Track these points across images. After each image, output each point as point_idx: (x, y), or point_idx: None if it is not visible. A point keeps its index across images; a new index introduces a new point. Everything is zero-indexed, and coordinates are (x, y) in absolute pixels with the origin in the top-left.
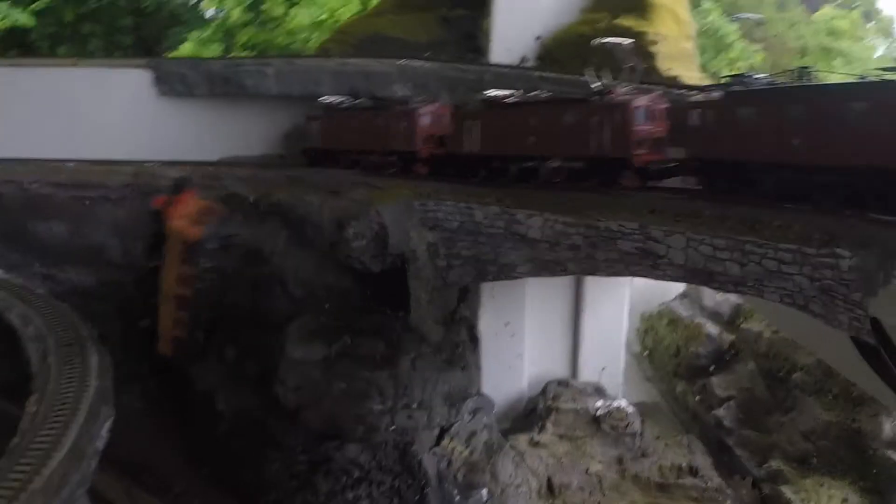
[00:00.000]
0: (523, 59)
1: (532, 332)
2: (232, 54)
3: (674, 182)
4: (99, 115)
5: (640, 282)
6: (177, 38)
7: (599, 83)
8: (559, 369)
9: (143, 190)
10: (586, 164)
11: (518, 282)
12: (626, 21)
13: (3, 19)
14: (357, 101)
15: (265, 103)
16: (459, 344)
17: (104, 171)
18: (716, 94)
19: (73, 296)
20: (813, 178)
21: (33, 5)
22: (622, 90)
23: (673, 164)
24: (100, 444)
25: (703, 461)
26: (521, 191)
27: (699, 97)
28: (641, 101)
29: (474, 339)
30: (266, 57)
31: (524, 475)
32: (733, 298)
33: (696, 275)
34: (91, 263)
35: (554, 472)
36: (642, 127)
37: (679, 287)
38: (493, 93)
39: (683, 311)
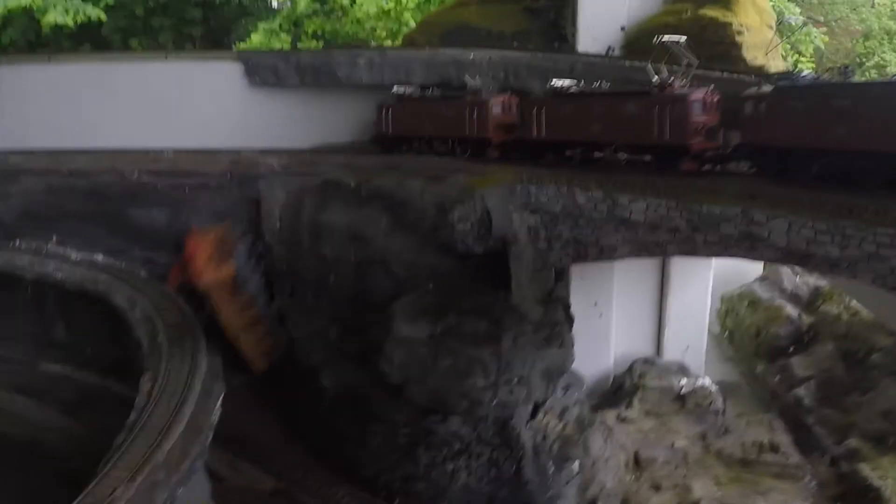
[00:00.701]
0: (610, 49)
1: (619, 313)
2: (300, 43)
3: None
4: (192, 107)
5: (720, 264)
6: (245, 28)
7: (657, 77)
8: (644, 348)
9: (241, 177)
10: (648, 150)
11: (607, 263)
12: (711, 12)
13: (76, 14)
14: (427, 92)
15: (354, 92)
16: (557, 322)
17: (202, 159)
18: (766, 88)
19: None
20: (851, 162)
21: (105, 0)
22: (680, 84)
23: (727, 151)
24: (214, 418)
25: (783, 439)
26: (621, 175)
27: (752, 91)
28: (698, 94)
29: (570, 318)
30: (357, 48)
31: (613, 449)
32: (812, 281)
33: (793, 256)
34: None
35: (641, 446)
36: (699, 118)
37: (758, 269)
38: (557, 83)
39: (763, 293)
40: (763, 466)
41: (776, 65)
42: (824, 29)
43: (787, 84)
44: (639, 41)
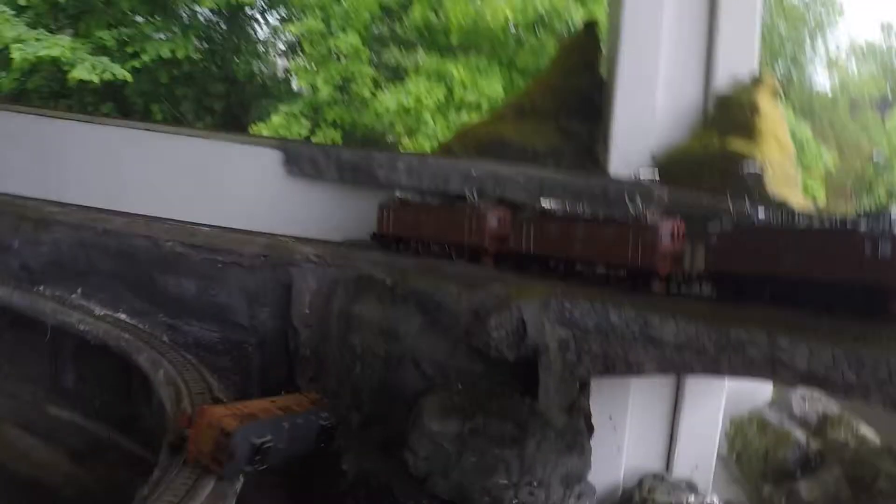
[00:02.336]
0: (639, 174)
1: (632, 427)
2: (318, 130)
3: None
4: (229, 186)
5: (732, 387)
6: (265, 109)
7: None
8: (654, 464)
9: (274, 261)
10: (622, 270)
11: (624, 379)
12: (737, 144)
13: (103, 72)
14: (427, 198)
15: (389, 192)
16: (579, 431)
17: (238, 239)
18: (728, 225)
19: (194, 348)
20: (797, 287)
21: (131, 62)
22: (650, 214)
23: (692, 276)
24: (237, 487)
25: None
26: (653, 299)
27: (715, 226)
28: (667, 224)
29: (590, 428)
30: (398, 153)
31: None
32: (821, 407)
33: (813, 380)
34: (216, 321)
35: None
36: (667, 245)
37: (768, 394)
38: (545, 203)
39: (772, 417)
40: None
41: (796, 198)
42: (835, 149)
43: (745, 222)
44: (668, 167)
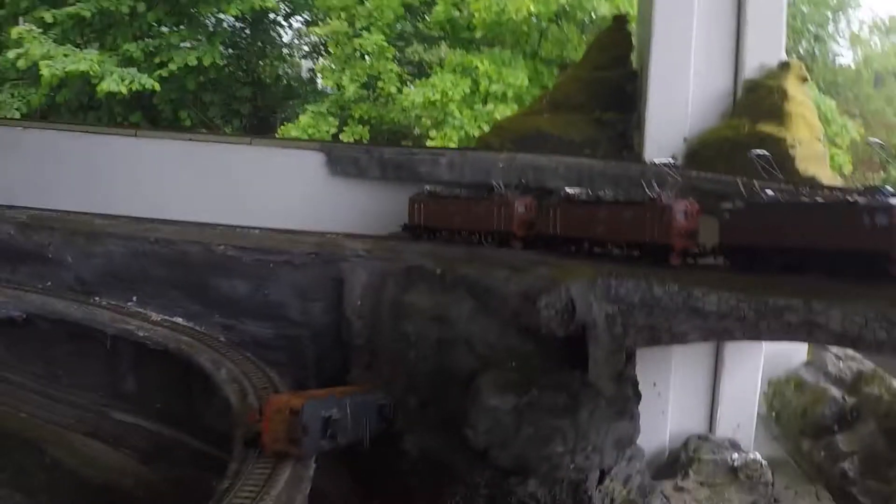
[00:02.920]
0: (673, 159)
1: (675, 392)
2: (346, 127)
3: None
4: (274, 189)
5: (769, 351)
6: (293, 109)
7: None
8: (698, 425)
9: (325, 257)
10: (641, 247)
11: (666, 347)
12: (766, 127)
13: (131, 82)
14: (456, 191)
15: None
16: (627, 398)
17: (287, 239)
18: (739, 203)
19: (250, 345)
20: (803, 256)
21: (159, 71)
22: (665, 196)
23: (706, 249)
24: (311, 471)
25: None
26: (692, 271)
27: (728, 205)
28: (680, 205)
29: (637, 395)
30: (440, 148)
31: None
32: (855, 365)
33: (846, 339)
34: (269, 318)
35: None
36: (681, 223)
37: (803, 355)
38: (569, 190)
39: (809, 376)
40: None
41: (825, 174)
42: (860, 121)
43: (755, 200)
44: (699, 152)
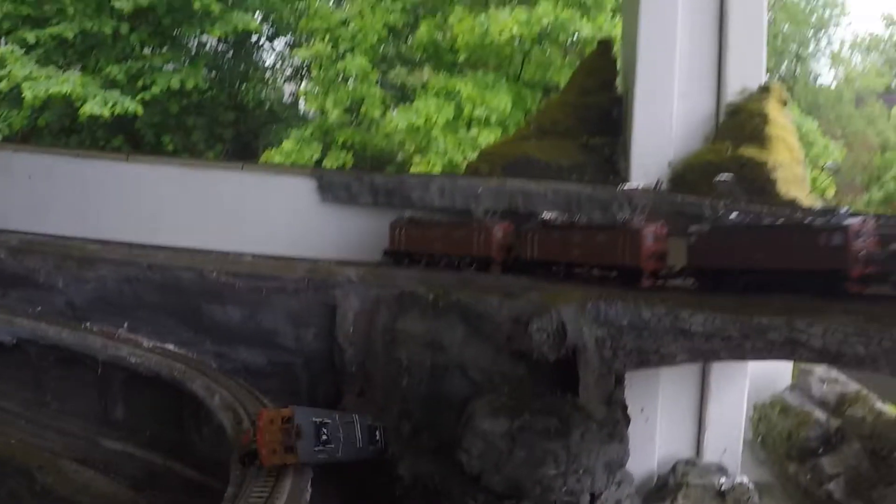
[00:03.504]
0: (658, 183)
1: (663, 418)
2: (330, 153)
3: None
4: (265, 216)
5: (753, 375)
6: (275, 135)
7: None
8: (685, 450)
9: (317, 284)
10: (614, 269)
11: (653, 373)
12: (748, 151)
13: (113, 105)
14: (435, 217)
15: (425, 213)
16: (617, 421)
17: (279, 265)
18: (706, 226)
19: (242, 372)
20: (767, 277)
21: (142, 94)
22: (636, 220)
23: (674, 271)
24: (308, 495)
25: None
26: (680, 294)
27: (694, 228)
28: (650, 228)
29: (627, 418)
30: (430, 175)
31: None
32: (838, 388)
33: (827, 356)
34: (262, 345)
35: None
36: (650, 246)
37: (788, 379)
38: (545, 215)
39: (793, 400)
40: None
41: (805, 196)
42: (842, 142)
43: (719, 223)
44: (684, 176)
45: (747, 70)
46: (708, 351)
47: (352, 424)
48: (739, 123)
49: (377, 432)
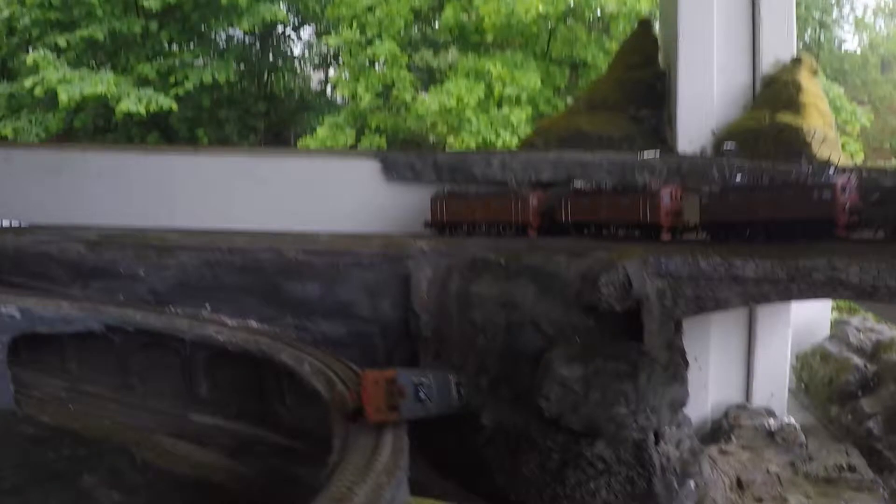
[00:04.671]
0: (702, 150)
1: (714, 366)
2: (363, 137)
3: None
4: (336, 196)
5: (795, 327)
6: (307, 122)
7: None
8: (735, 396)
9: (391, 257)
10: (637, 227)
11: (703, 324)
12: (784, 118)
13: (148, 103)
14: (471, 188)
15: (486, 186)
16: (678, 364)
17: (355, 241)
18: (716, 188)
19: (323, 343)
20: (768, 227)
21: (174, 90)
22: (656, 184)
23: (690, 226)
24: (406, 440)
25: (858, 461)
26: (731, 245)
27: (706, 189)
28: (666, 189)
29: (686, 362)
30: (491, 151)
31: (718, 474)
32: (874, 336)
33: (863, 292)
34: (341, 317)
35: (741, 472)
36: (667, 205)
37: (826, 330)
38: (576, 183)
39: (833, 348)
40: (844, 483)
41: (838, 157)
42: (869, 108)
43: (727, 184)
44: (725, 142)
45: (779, 43)
46: (758, 294)
47: (441, 382)
48: (775, 93)
49: (460, 388)
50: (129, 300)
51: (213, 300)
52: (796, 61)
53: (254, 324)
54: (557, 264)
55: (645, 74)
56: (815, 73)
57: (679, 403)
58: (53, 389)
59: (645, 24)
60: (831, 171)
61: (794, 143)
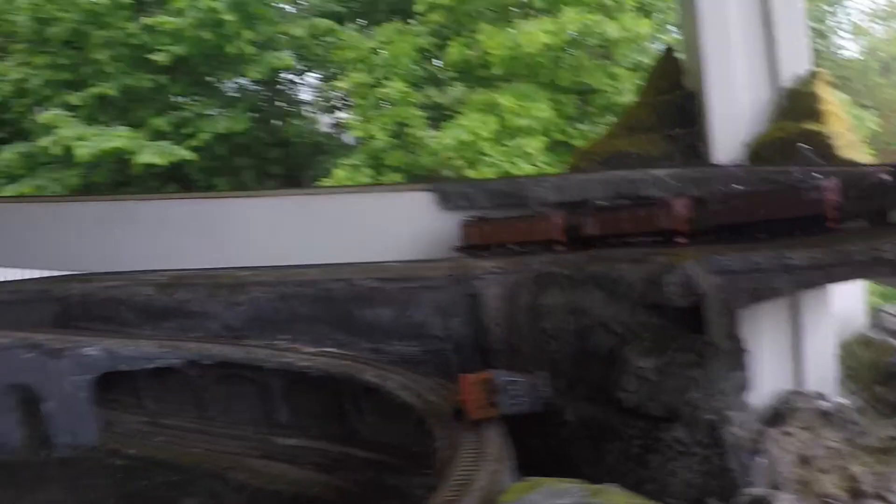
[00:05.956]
0: (736, 161)
1: (767, 356)
2: (381, 177)
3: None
4: (395, 227)
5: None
6: (322, 165)
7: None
8: (788, 383)
9: (459, 278)
10: (655, 235)
11: (753, 318)
12: (808, 125)
13: (168, 155)
14: (498, 214)
15: (538, 208)
16: (739, 352)
17: (424, 266)
18: (718, 194)
19: (399, 362)
20: (768, 227)
21: (190, 142)
22: (671, 197)
23: (699, 230)
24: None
25: None
26: (777, 242)
27: (710, 197)
28: (679, 201)
29: (744, 350)
30: (541, 176)
31: (783, 451)
32: None
33: None
34: (414, 337)
35: (802, 449)
36: (680, 213)
37: (863, 319)
38: (598, 202)
39: (873, 335)
40: None
41: (859, 157)
42: (875, 112)
43: (729, 190)
44: (758, 152)
45: (795, 58)
46: (808, 281)
47: (529, 382)
48: (796, 104)
49: (544, 388)
50: (205, 336)
51: (287, 331)
52: (813, 73)
53: (330, 350)
54: (620, 270)
55: (675, 97)
56: (830, 83)
57: (742, 388)
58: (134, 425)
59: (669, 52)
60: (818, 175)
61: (819, 147)
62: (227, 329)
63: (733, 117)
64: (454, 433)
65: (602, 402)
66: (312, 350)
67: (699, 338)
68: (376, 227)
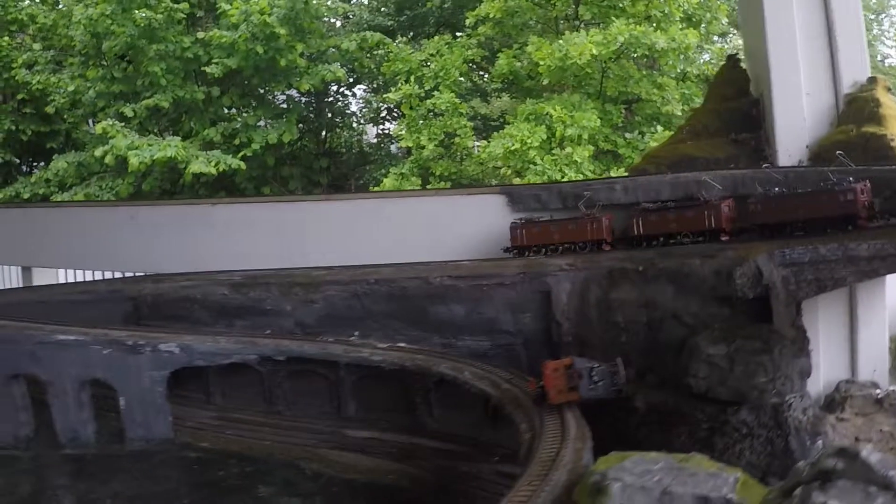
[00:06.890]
0: (800, 163)
1: (823, 347)
2: (429, 185)
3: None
4: (468, 228)
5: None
6: (368, 175)
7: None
8: (843, 372)
9: (532, 275)
10: (701, 234)
11: (811, 307)
12: (869, 129)
13: (217, 163)
14: (547, 216)
15: (609, 210)
16: (802, 340)
17: (496, 264)
18: (759, 195)
19: (469, 356)
20: (803, 226)
21: (242, 152)
22: (715, 198)
23: (740, 228)
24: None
25: None
26: (840, 232)
27: (752, 198)
28: (725, 203)
29: (807, 338)
30: (612, 178)
31: (839, 435)
32: None
33: None
34: (485, 333)
35: (857, 433)
36: (726, 214)
37: None
38: (645, 204)
39: None
40: None
41: None
42: None
43: (769, 193)
44: (820, 154)
45: (855, 66)
46: (870, 270)
47: (606, 369)
48: (857, 109)
49: (620, 375)
50: (277, 334)
51: (361, 328)
52: (872, 80)
53: (403, 345)
54: (692, 265)
55: (740, 104)
56: (888, 89)
57: (805, 373)
58: (204, 419)
59: (732, 59)
60: (851, 178)
61: (881, 149)
62: (301, 326)
63: (797, 122)
64: (534, 417)
65: (671, 389)
66: (385, 345)
67: (766, 327)
68: (448, 228)
